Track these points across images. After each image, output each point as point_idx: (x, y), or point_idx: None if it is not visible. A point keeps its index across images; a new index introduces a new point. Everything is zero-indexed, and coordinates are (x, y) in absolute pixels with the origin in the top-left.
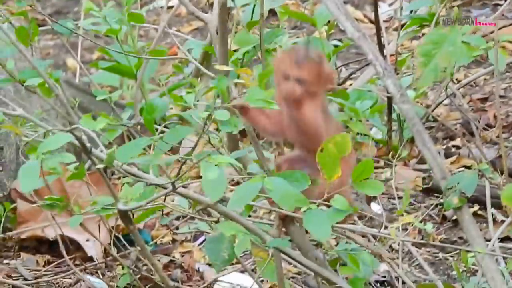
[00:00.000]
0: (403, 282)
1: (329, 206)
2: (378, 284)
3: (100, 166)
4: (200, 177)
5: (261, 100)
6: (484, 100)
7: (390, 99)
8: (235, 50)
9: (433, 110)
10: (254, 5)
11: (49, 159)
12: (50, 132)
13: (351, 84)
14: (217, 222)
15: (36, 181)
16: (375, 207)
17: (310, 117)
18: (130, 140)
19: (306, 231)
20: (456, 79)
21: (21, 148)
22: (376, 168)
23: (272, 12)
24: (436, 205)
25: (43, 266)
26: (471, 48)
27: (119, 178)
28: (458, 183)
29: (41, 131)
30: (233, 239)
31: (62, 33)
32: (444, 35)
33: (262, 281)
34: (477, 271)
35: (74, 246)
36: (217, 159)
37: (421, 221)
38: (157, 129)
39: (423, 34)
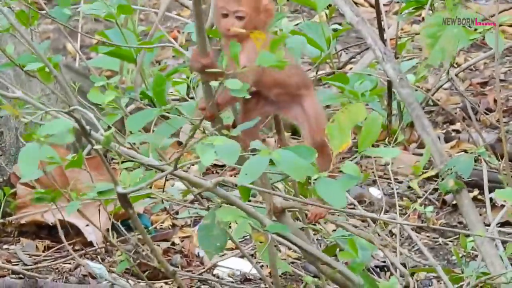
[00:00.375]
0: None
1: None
2: (378, 269)
3: (98, 147)
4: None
5: (273, 61)
6: (484, 84)
7: (390, 83)
8: None
9: (433, 95)
10: None
11: (47, 147)
12: (49, 114)
13: (351, 68)
14: (207, 209)
15: (36, 168)
16: (375, 191)
17: (252, 53)
18: None
19: (297, 219)
20: (456, 63)
21: (20, 131)
22: None
23: None
24: (436, 190)
25: (43, 251)
26: (468, 31)
27: (118, 163)
28: (454, 166)
29: (40, 113)
30: (225, 226)
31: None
32: (446, 17)
33: (261, 266)
34: (476, 256)
35: (74, 231)
36: (213, 140)
37: (420, 205)
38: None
39: (423, 18)
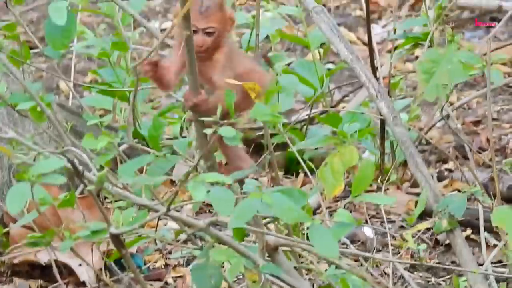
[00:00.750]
0: None
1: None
2: None
3: (91, 187)
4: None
5: (266, 115)
6: (477, 123)
7: (383, 122)
8: None
9: (426, 133)
10: (252, 28)
11: (39, 187)
12: (42, 155)
13: (344, 107)
14: (201, 249)
15: (23, 206)
16: (368, 231)
17: (224, 66)
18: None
19: (290, 258)
20: (449, 102)
21: (13, 170)
22: (369, 191)
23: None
24: (429, 229)
25: None
26: (466, 66)
27: (111, 202)
28: (448, 206)
29: (33, 153)
30: (220, 265)
31: (52, 57)
32: (441, 54)
33: None
34: None
35: (66, 271)
36: (205, 178)
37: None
38: (149, 153)
39: (417, 57)
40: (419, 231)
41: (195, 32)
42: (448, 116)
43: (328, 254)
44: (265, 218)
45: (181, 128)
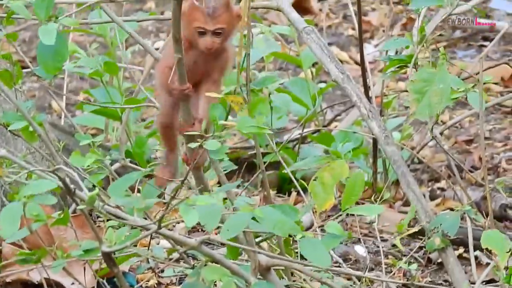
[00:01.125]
0: None
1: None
2: None
3: (82, 207)
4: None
5: (252, 127)
6: (469, 141)
7: (375, 141)
8: None
9: (418, 152)
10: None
11: (33, 205)
12: (34, 173)
13: (336, 126)
14: (192, 268)
15: (17, 228)
16: (360, 249)
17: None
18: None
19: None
20: (442, 121)
21: (5, 189)
22: None
23: None
24: (421, 248)
25: None
26: (453, 91)
27: (103, 221)
28: (440, 225)
29: (24, 171)
30: (211, 283)
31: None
32: (433, 73)
33: None
34: None
35: None
36: (196, 200)
37: (405, 263)
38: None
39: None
40: (411, 249)
41: (203, 33)
42: (440, 135)
43: (320, 264)
44: (258, 236)
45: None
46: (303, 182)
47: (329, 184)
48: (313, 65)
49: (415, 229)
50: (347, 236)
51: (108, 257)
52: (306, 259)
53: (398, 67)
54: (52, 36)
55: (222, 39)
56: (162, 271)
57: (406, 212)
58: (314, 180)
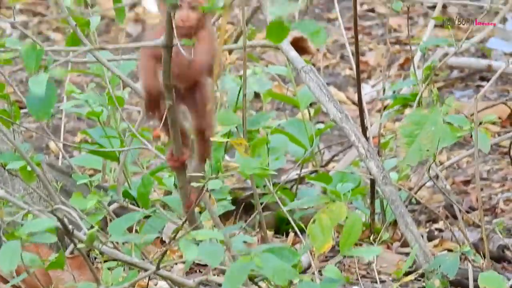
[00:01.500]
0: None
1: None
2: None
3: (81, 246)
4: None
5: (254, 169)
6: (467, 182)
7: (373, 181)
8: None
9: (416, 193)
10: (240, 88)
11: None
12: (31, 214)
13: (334, 167)
14: None
15: (15, 264)
16: None
17: (208, 44)
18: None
19: None
20: (439, 161)
21: (2, 229)
22: None
23: (255, 94)
24: None
25: None
26: (454, 128)
27: (101, 262)
28: (440, 266)
29: (22, 212)
30: None
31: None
32: (425, 115)
33: None
34: None
35: None
36: (196, 234)
37: None
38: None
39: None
40: None
41: (179, 6)
42: (436, 177)
43: None
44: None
45: (175, 186)
46: (300, 223)
47: (328, 227)
48: (310, 105)
49: (412, 276)
50: (345, 280)
51: None
52: None
53: (401, 106)
54: (43, 87)
55: (198, 17)
56: None
57: (404, 253)
58: (313, 223)
